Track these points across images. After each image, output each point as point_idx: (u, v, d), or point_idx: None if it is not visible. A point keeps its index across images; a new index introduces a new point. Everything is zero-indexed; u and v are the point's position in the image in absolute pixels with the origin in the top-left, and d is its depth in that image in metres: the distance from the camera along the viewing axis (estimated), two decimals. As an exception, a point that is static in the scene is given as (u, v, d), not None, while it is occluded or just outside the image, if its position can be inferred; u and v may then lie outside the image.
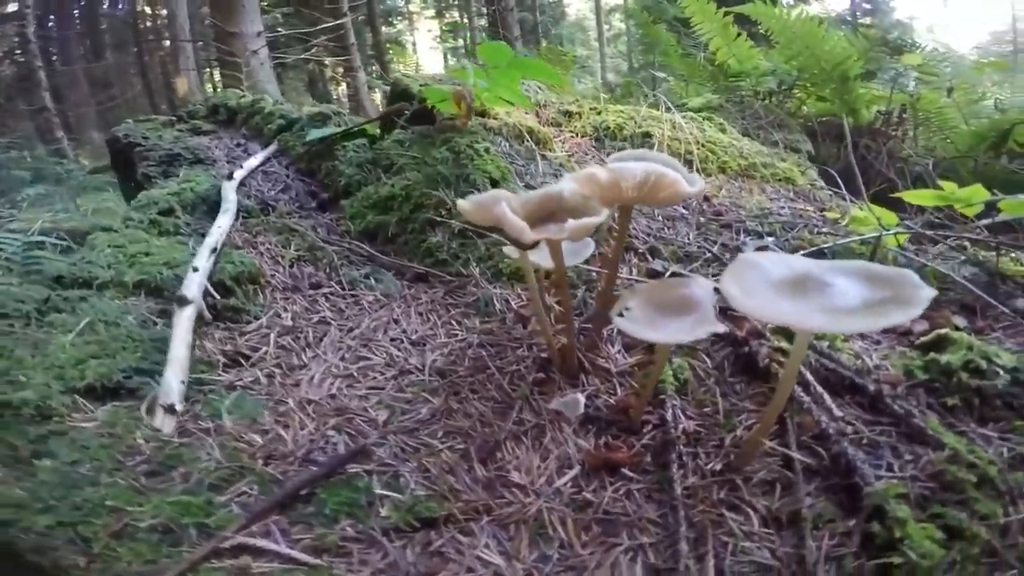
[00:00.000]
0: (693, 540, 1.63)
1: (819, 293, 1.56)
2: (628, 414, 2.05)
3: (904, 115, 5.20)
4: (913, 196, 3.39)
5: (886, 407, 2.06)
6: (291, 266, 3.02)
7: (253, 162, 3.88)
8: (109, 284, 2.71)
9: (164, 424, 1.99)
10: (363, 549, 1.61)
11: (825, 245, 2.95)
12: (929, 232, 3.07)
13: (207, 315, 2.47)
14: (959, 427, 1.98)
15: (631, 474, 1.86)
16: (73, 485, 1.69)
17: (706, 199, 3.56)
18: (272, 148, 4.18)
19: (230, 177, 3.58)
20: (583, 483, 1.83)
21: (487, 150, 3.49)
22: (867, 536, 1.56)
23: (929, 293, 1.45)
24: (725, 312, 2.31)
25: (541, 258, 2.28)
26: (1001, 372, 2.11)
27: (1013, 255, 3.32)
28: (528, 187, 3.25)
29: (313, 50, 10.16)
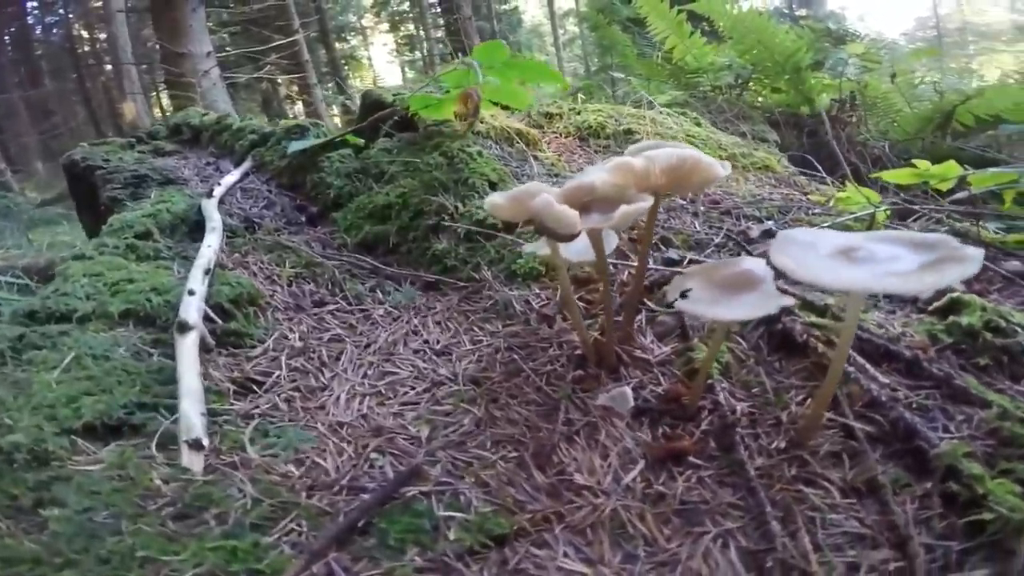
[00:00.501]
0: (781, 518, 1.54)
1: (872, 260, 1.53)
2: (681, 402, 1.94)
3: (855, 102, 5.38)
4: (892, 175, 3.46)
5: (924, 371, 2.04)
6: (289, 284, 2.79)
7: (230, 179, 3.60)
8: (91, 316, 2.42)
9: (192, 462, 1.74)
10: (439, 578, 1.44)
11: (824, 224, 2.95)
12: (915, 207, 3.12)
13: (210, 341, 2.22)
14: (996, 385, 1.97)
15: (697, 461, 1.76)
16: (92, 535, 1.45)
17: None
18: (248, 164, 3.91)
19: (210, 194, 3.30)
20: (651, 476, 1.71)
21: (480, 153, 3.36)
22: (947, 496, 1.54)
23: (977, 251, 1.43)
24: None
25: (569, 254, 2.15)
26: (1019, 330, 2.12)
27: (983, 224, 3.40)
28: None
29: (266, 69, 9.72)
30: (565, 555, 1.49)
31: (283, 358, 2.31)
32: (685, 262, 2.62)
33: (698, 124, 4.49)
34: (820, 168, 3.91)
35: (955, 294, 2.34)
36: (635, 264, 2.56)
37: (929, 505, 1.53)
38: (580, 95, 5.62)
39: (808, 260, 1.53)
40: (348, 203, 3.33)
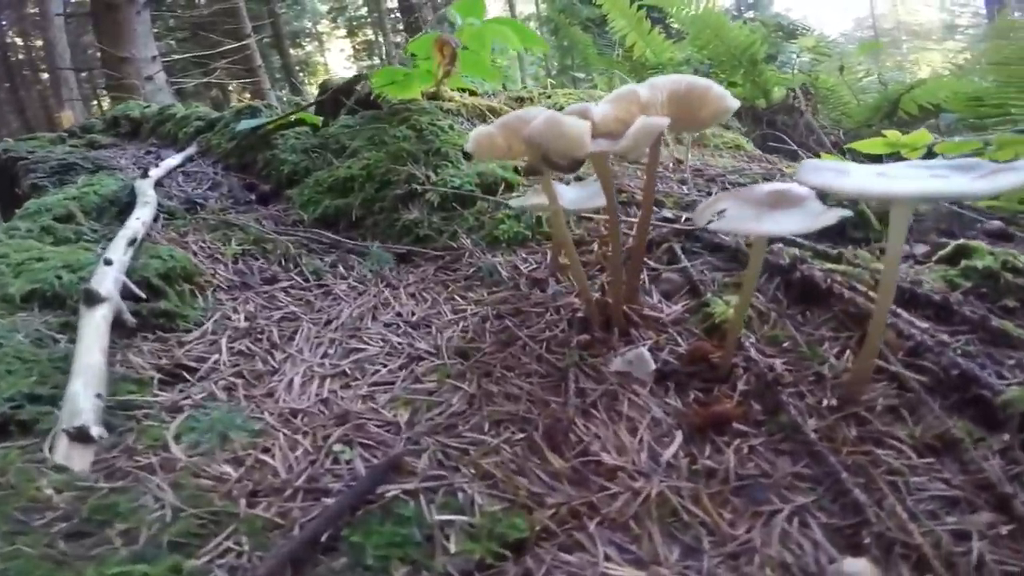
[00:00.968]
0: (863, 485, 1.17)
1: (915, 176, 1.28)
2: (710, 361, 1.55)
3: (809, 93, 5.28)
4: (865, 145, 3.25)
5: (956, 314, 1.74)
6: (235, 262, 2.29)
7: (171, 162, 3.08)
8: (-13, 300, 1.86)
9: (73, 458, 1.23)
10: (439, 604, 0.98)
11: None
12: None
13: (129, 319, 1.70)
14: (1029, 325, 1.69)
15: (743, 428, 1.37)
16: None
17: (679, 161, 3.21)
18: (192, 149, 3.36)
19: (145, 175, 2.75)
20: (694, 450, 1.31)
21: (451, 127, 2.94)
22: (1031, 446, 1.22)
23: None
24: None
25: (566, 203, 1.76)
26: (1034, 271, 1.87)
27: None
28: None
29: (216, 74, 8.97)
30: (607, 558, 1.06)
31: (224, 341, 1.81)
32: (682, 219, 2.27)
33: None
34: (791, 143, 3.69)
35: (960, 241, 2.10)
36: (633, 220, 2.19)
37: (1016, 459, 1.23)
38: (550, 81, 5.29)
39: (849, 177, 1.25)
40: (305, 179, 2.85)
